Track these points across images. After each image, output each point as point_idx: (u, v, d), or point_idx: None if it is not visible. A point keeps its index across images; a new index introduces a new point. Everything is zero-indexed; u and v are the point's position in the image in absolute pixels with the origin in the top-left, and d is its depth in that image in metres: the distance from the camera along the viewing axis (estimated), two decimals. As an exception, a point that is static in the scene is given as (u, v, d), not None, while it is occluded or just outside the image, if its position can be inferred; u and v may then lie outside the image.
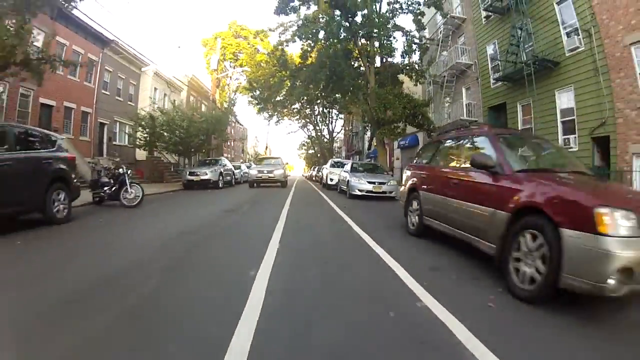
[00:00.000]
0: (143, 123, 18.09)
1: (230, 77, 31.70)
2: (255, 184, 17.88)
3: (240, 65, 28.89)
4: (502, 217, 3.04)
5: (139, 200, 8.03)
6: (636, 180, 10.97)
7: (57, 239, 5.03)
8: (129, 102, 22.39)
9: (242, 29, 30.11)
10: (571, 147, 12.56)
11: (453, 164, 4.46)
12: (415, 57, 18.87)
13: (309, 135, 44.41)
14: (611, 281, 2.24)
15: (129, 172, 8.29)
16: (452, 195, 4.10)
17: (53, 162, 5.79)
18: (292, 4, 16.34)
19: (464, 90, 18.73)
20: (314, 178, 28.97)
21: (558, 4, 13.89)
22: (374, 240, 4.87)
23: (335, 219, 7.26)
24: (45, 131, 6.50)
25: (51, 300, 2.60)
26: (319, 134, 38.73)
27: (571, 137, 12.68)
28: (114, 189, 8.19)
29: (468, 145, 4.27)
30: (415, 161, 5.63)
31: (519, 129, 14.88)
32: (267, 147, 67.41)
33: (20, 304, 2.54)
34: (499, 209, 3.14)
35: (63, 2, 7.20)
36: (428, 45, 18.79)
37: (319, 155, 43.71)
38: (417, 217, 4.99)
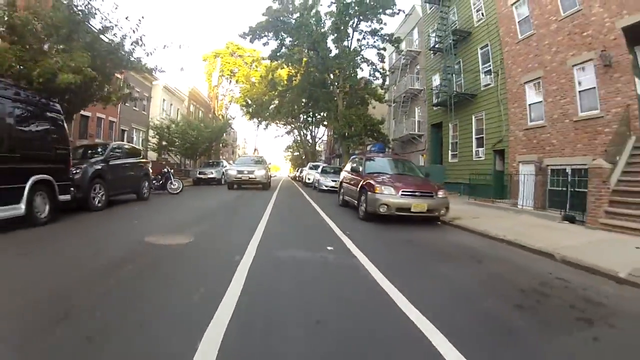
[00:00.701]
0: (158, 131, 22.46)
1: (226, 89, 36.27)
2: (234, 186, 16.73)
3: (237, 82, 33.55)
4: (357, 190, 7.61)
5: (180, 190, 12.43)
6: (522, 181, 15.64)
7: (157, 205, 9.51)
8: (143, 112, 26.61)
9: (237, 48, 34.62)
10: (480, 157, 17.39)
11: (350, 168, 9.06)
12: (379, 82, 23.65)
13: (294, 140, 49.04)
14: (381, 208, 6.79)
15: (172, 171, 12.72)
16: (350, 183, 8.71)
17: (143, 165, 10.18)
18: (281, 52, 21.00)
19: (416, 110, 23.51)
20: (297, 178, 33.44)
21: (481, 49, 18.68)
22: (320, 208, 9.43)
23: (304, 201, 11.90)
24: (136, 146, 10.88)
25: (187, 219, 7.08)
26: (304, 138, 43.33)
27: (480, 149, 17.47)
28: (161, 182, 12.55)
29: (359, 160, 8.86)
30: (345, 167, 10.30)
31: (450, 142, 19.69)
32: (255, 150, 71.70)
33: (178, 219, 7.03)
34: (357, 187, 7.69)
35: (147, 71, 11.24)
36: (388, 74, 23.59)
37: (303, 157, 48.16)
38: (341, 196, 9.59)
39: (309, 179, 21.28)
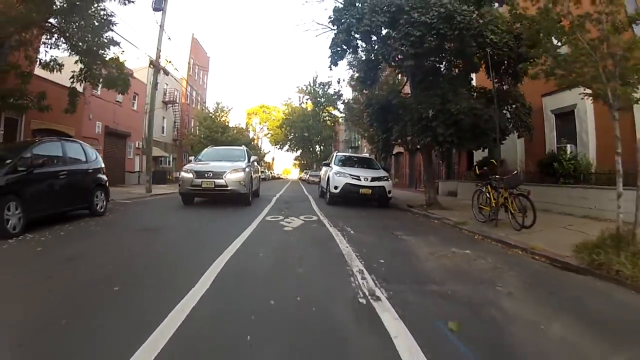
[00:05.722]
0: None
1: (261, 129, 66.97)
2: (193, 199, 11.18)
3: (267, 129, 64.16)
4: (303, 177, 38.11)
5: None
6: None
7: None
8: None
9: (267, 107, 65.01)
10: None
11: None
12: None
13: (300, 153, 79.61)
14: (306, 180, 37.35)
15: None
16: (308, 177, 39.39)
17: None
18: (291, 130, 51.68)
19: (349, 150, 54.01)
20: (300, 178, 63.91)
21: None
22: (301, 184, 39.59)
23: (299, 186, 42.17)
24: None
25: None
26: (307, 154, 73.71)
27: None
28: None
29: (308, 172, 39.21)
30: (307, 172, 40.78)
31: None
32: (273, 159, 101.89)
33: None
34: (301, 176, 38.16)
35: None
36: (337, 132, 54.42)
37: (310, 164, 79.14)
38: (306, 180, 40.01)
39: (304, 178, 51.66)
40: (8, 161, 6.71)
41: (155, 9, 19.53)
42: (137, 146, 28.62)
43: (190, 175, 10.46)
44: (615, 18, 5.63)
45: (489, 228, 7.96)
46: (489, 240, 7.02)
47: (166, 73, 21.36)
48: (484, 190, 8.82)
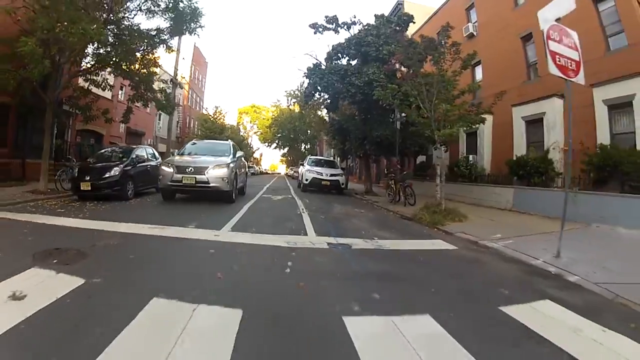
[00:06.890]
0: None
1: (251, 128, 73.11)
2: (175, 195, 11.23)
3: (258, 127, 70.33)
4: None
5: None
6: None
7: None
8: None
9: (257, 107, 71.08)
10: (343, 167, 54.78)
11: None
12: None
13: (288, 150, 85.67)
14: (290, 174, 44.01)
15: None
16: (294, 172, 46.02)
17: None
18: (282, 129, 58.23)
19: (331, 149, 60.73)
20: (287, 174, 70.17)
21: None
22: (287, 181, 46.04)
23: (284, 180, 48.51)
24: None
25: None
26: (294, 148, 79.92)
27: (344, 164, 54.70)
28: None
29: (294, 168, 45.77)
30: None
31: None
32: (261, 155, 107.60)
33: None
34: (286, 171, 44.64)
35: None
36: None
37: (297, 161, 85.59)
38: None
39: (290, 174, 57.94)
40: (124, 159, 12.89)
41: (174, 36, 25.63)
42: (148, 143, 34.62)
43: (170, 170, 10.31)
44: (449, 93, 12.05)
45: (390, 204, 14.40)
46: (382, 209, 13.50)
47: (181, 87, 27.48)
48: (390, 182, 15.42)
